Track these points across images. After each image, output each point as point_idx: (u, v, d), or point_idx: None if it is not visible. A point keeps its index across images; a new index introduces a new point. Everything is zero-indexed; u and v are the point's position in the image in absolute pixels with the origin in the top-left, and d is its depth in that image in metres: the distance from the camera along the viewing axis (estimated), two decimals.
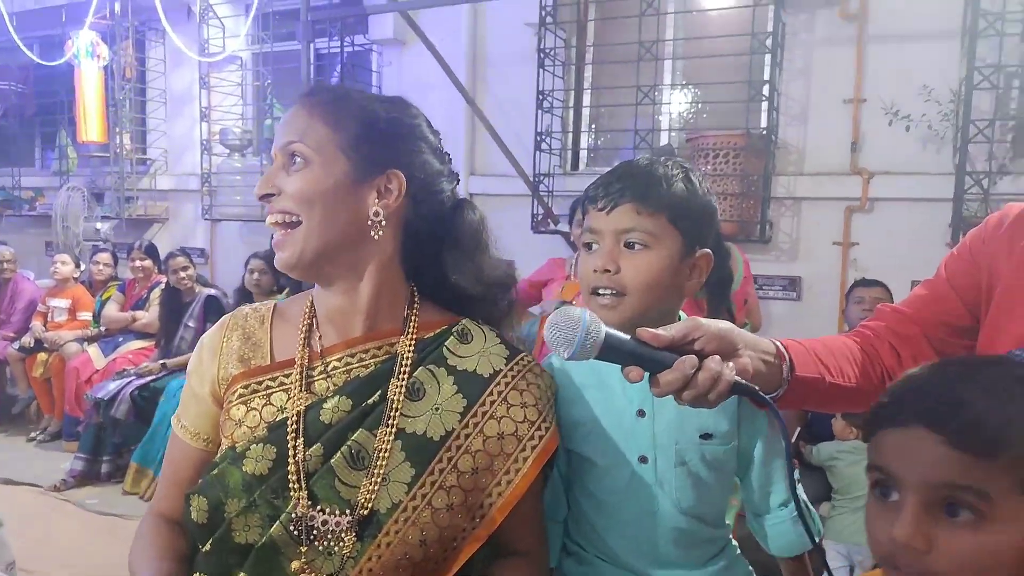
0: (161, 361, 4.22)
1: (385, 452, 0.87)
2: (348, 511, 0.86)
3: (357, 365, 0.92)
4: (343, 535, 0.85)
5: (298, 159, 0.90)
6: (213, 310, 4.26)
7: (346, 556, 0.85)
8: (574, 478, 1.09)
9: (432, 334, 0.95)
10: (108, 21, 5.56)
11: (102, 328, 4.83)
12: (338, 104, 0.92)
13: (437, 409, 0.90)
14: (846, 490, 2.69)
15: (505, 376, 0.94)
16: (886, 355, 1.02)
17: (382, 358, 0.92)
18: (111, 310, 4.79)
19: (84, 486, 3.94)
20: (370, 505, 0.85)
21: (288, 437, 0.88)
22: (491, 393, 0.92)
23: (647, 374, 0.81)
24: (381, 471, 0.86)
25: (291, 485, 0.86)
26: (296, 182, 0.89)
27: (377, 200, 0.91)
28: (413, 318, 0.95)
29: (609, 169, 1.05)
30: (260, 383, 0.92)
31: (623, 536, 1.06)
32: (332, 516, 0.86)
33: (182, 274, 4.27)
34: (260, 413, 0.91)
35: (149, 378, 4.09)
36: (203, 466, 0.95)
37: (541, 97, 4.16)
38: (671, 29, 4.11)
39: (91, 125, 5.69)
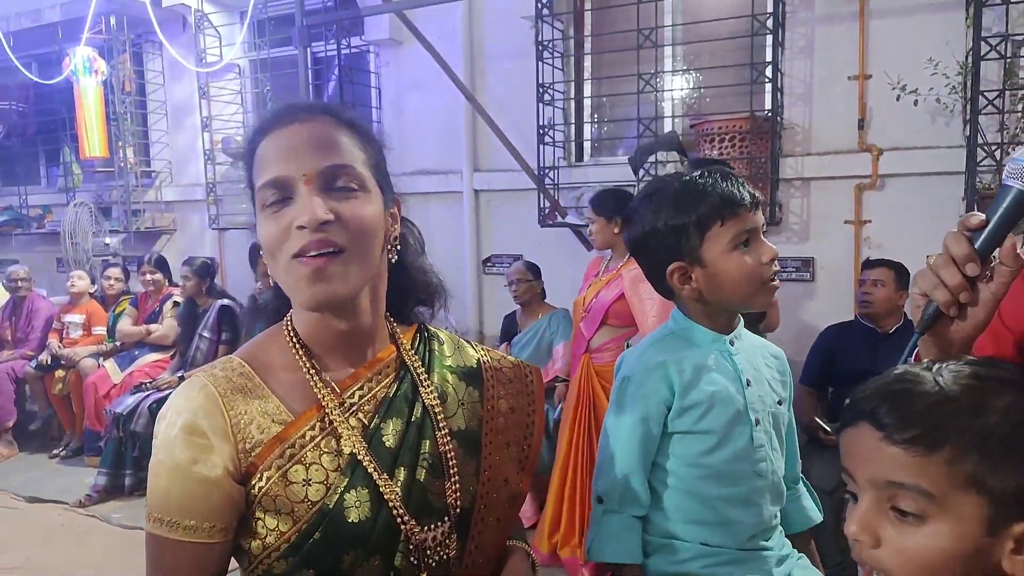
0: (179, 373, 4.25)
1: (451, 454, 0.92)
2: (445, 518, 0.91)
3: (377, 388, 0.93)
4: (446, 541, 0.91)
5: (348, 183, 0.84)
6: (227, 320, 4.28)
7: (452, 558, 0.91)
8: (679, 462, 1.23)
9: (410, 342, 0.99)
10: (104, 36, 5.56)
11: (117, 343, 4.86)
12: (362, 125, 0.91)
13: (462, 404, 0.97)
14: None
15: (484, 361, 1.03)
16: None
17: (391, 375, 0.95)
18: (125, 324, 4.82)
19: (108, 500, 3.99)
20: (459, 504, 0.92)
21: (371, 473, 0.87)
22: (488, 379, 1.01)
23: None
24: (455, 472, 0.92)
25: (398, 517, 0.87)
26: (356, 209, 0.84)
27: (392, 225, 0.93)
28: (398, 332, 0.99)
29: (697, 165, 1.21)
30: (303, 436, 0.87)
31: (740, 501, 1.22)
32: (435, 528, 0.90)
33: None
34: (321, 464, 0.87)
35: (167, 391, 4.12)
36: (224, 558, 0.88)
37: (541, 90, 4.12)
38: (669, 15, 4.08)
39: (93, 141, 5.69)
